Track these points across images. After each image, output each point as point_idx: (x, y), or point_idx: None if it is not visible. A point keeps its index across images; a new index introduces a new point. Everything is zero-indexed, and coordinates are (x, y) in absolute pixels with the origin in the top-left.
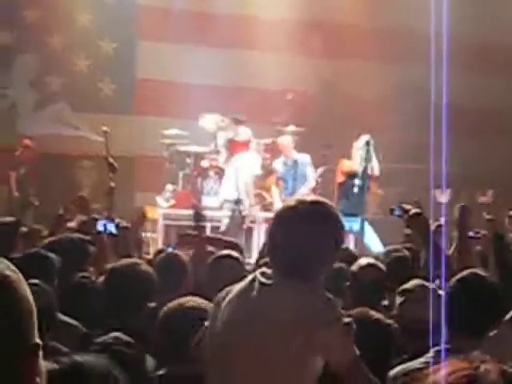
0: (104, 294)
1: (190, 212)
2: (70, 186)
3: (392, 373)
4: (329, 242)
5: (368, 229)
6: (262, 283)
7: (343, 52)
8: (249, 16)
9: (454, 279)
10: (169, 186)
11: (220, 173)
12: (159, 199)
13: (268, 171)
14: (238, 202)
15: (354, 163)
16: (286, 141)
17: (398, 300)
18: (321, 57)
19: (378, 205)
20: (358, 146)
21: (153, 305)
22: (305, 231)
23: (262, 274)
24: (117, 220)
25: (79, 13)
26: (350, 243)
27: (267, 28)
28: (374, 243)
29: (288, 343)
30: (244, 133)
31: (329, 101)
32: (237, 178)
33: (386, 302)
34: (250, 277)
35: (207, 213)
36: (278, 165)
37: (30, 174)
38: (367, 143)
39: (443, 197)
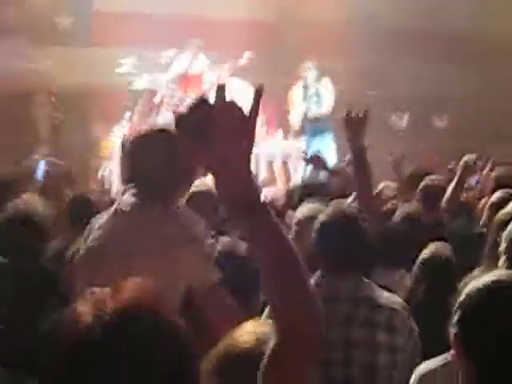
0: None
1: None
2: (27, 121)
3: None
4: (176, 165)
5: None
6: (121, 211)
7: None
8: None
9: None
10: (127, 115)
11: (172, 109)
12: (117, 129)
13: None
14: None
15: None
16: None
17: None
18: None
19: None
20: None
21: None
22: (153, 157)
23: (122, 202)
24: (46, 164)
25: None
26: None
27: None
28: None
29: (150, 266)
30: (199, 65)
31: (284, 28)
32: None
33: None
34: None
35: None
36: None
37: None
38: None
39: (401, 122)
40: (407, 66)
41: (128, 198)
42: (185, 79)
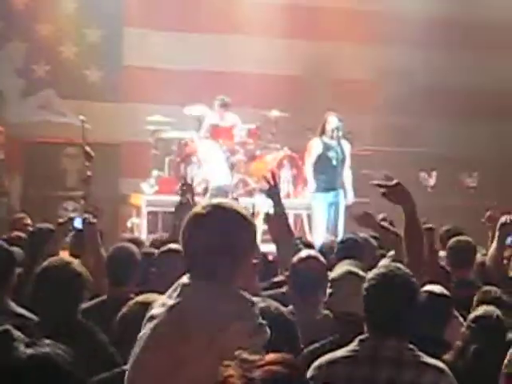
0: (34, 293)
1: (174, 198)
2: (56, 173)
3: (316, 363)
4: (237, 244)
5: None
6: (183, 284)
7: (329, 34)
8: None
9: (373, 271)
10: (154, 172)
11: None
12: (144, 185)
13: (251, 156)
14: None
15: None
16: None
17: (328, 290)
18: (306, 39)
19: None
20: (328, 129)
21: (104, 298)
22: (212, 235)
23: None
24: (85, 215)
25: (65, 0)
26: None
27: (251, 11)
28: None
29: (200, 341)
30: (230, 119)
31: (314, 84)
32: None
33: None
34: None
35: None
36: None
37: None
38: (337, 129)
39: (429, 180)
40: (436, 123)
41: (189, 276)
42: (216, 130)
